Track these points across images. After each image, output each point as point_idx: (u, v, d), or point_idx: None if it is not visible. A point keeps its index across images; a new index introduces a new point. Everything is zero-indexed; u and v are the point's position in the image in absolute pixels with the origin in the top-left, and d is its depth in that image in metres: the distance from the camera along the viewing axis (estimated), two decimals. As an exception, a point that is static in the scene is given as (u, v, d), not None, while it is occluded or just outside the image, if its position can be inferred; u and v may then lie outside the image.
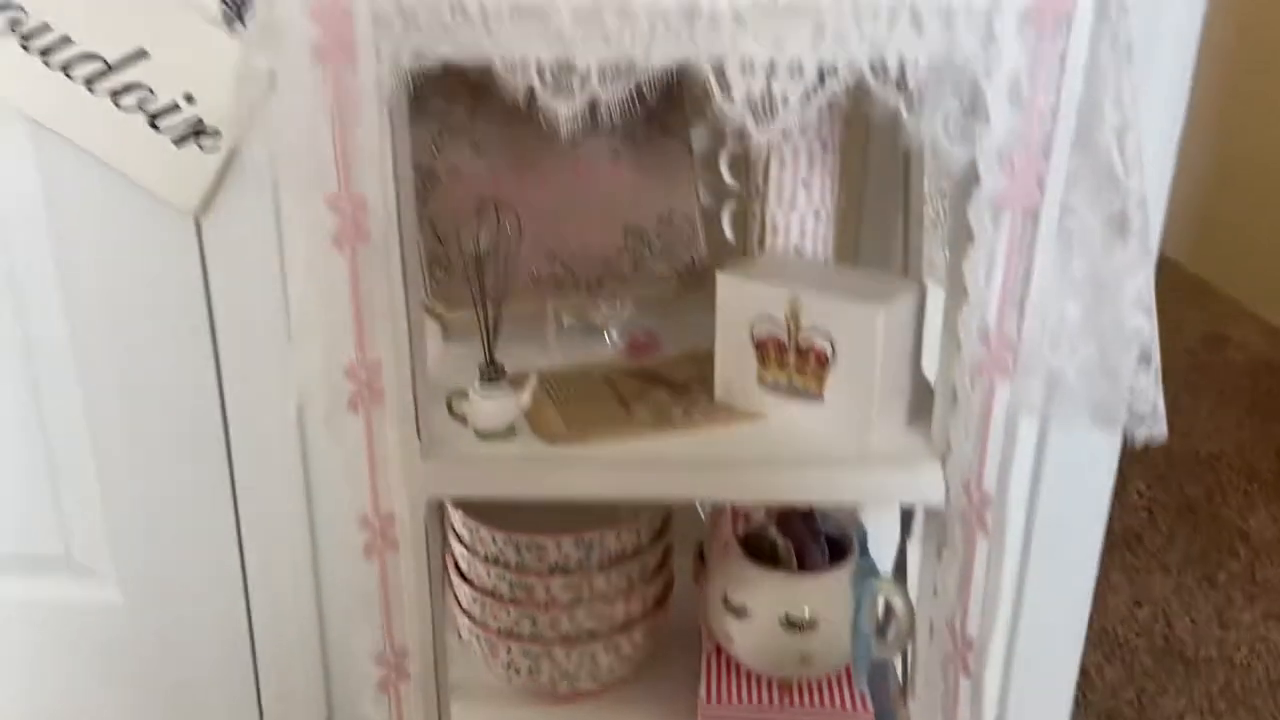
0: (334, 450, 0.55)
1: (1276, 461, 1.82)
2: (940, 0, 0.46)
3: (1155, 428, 0.49)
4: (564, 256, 0.69)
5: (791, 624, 0.65)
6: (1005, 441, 0.53)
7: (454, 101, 0.68)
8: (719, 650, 0.71)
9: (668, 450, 0.58)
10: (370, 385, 0.53)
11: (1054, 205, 0.49)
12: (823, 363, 0.58)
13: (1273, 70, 2.24)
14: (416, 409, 0.55)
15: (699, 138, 0.72)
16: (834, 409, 0.59)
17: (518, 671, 0.69)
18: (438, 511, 0.61)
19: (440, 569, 0.63)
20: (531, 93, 0.48)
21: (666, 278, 0.72)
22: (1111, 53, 0.46)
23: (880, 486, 0.59)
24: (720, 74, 0.48)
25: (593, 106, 0.48)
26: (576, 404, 0.62)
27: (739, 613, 0.66)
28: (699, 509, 0.77)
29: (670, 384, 0.66)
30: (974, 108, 0.48)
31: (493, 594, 0.68)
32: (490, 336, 0.60)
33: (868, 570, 0.66)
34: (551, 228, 0.69)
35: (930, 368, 0.61)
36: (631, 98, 0.48)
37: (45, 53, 0.78)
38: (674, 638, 0.74)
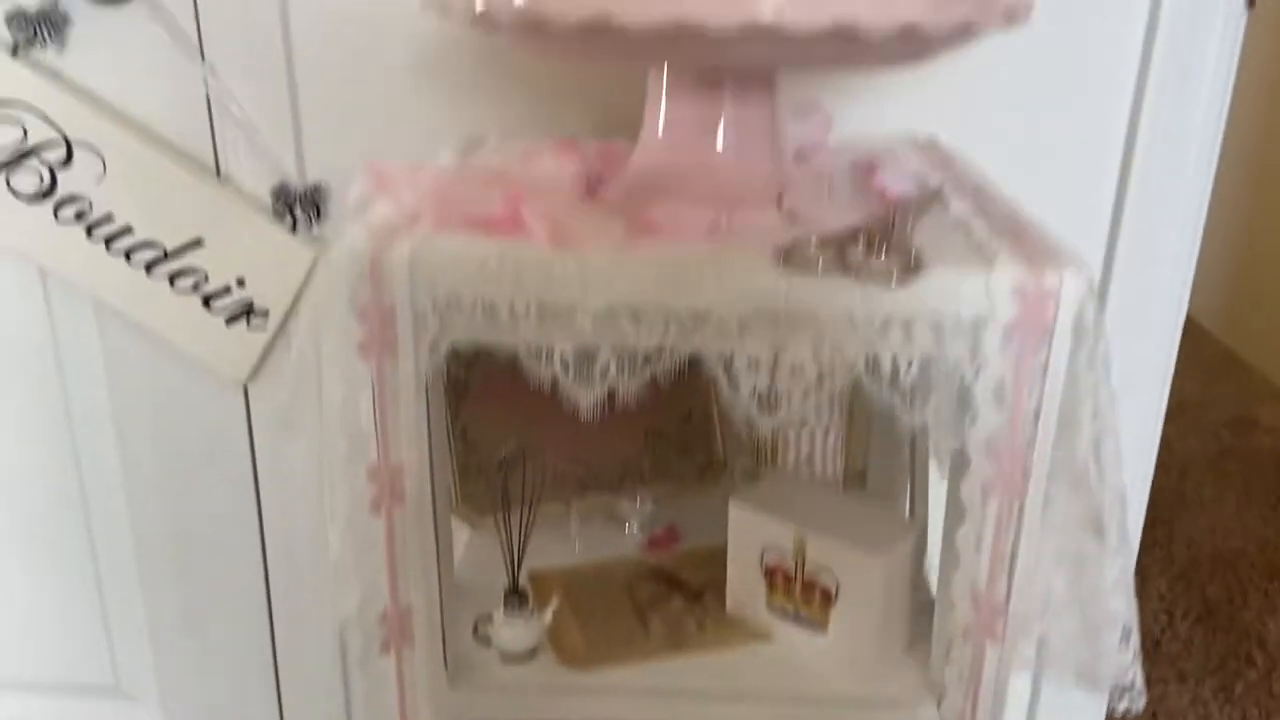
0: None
1: (1299, 561, 1.82)
2: (931, 313, 0.50)
3: (1135, 702, 0.52)
4: (586, 458, 0.74)
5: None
6: (995, 697, 0.56)
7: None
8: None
9: (680, 676, 0.62)
10: (402, 629, 0.57)
11: (1038, 494, 0.52)
12: (827, 597, 0.62)
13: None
14: (444, 644, 0.59)
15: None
16: (836, 641, 0.62)
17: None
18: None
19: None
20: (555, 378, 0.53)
21: (686, 474, 0.76)
22: (1089, 370, 0.49)
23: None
24: (728, 369, 0.52)
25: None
26: (596, 620, 0.67)
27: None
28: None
29: (686, 589, 0.70)
30: (963, 403, 0.52)
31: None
32: (516, 565, 0.64)
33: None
34: (575, 432, 0.73)
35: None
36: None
37: (109, 240, 0.84)
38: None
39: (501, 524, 0.67)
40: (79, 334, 0.89)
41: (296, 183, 0.83)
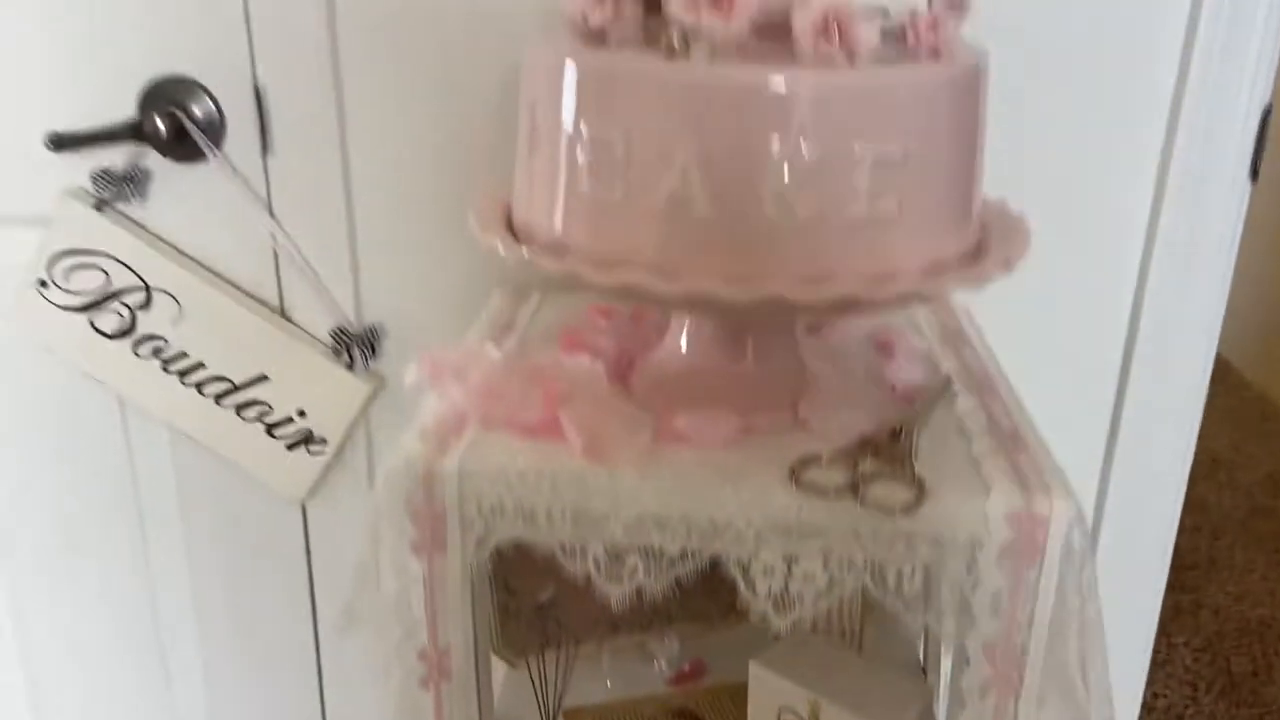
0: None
1: (1329, 635, 1.82)
2: (932, 533, 0.55)
3: None
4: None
5: None
6: None
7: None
8: None
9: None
10: (448, 783, 0.63)
11: (1032, 695, 0.57)
12: (837, 759, 0.67)
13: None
14: (486, 798, 0.65)
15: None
16: (846, 798, 0.67)
17: None
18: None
19: None
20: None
21: (712, 614, 0.81)
22: (1076, 594, 0.54)
23: None
24: (745, 573, 0.57)
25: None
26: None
27: None
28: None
29: (707, 730, 0.75)
30: (963, 609, 0.56)
31: None
32: (555, 706, 0.70)
33: None
34: (608, 577, 0.79)
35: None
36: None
37: (182, 374, 0.91)
38: None
39: (539, 664, 0.73)
40: (153, 453, 0.96)
41: (353, 324, 0.90)
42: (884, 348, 0.71)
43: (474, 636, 0.61)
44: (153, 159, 0.85)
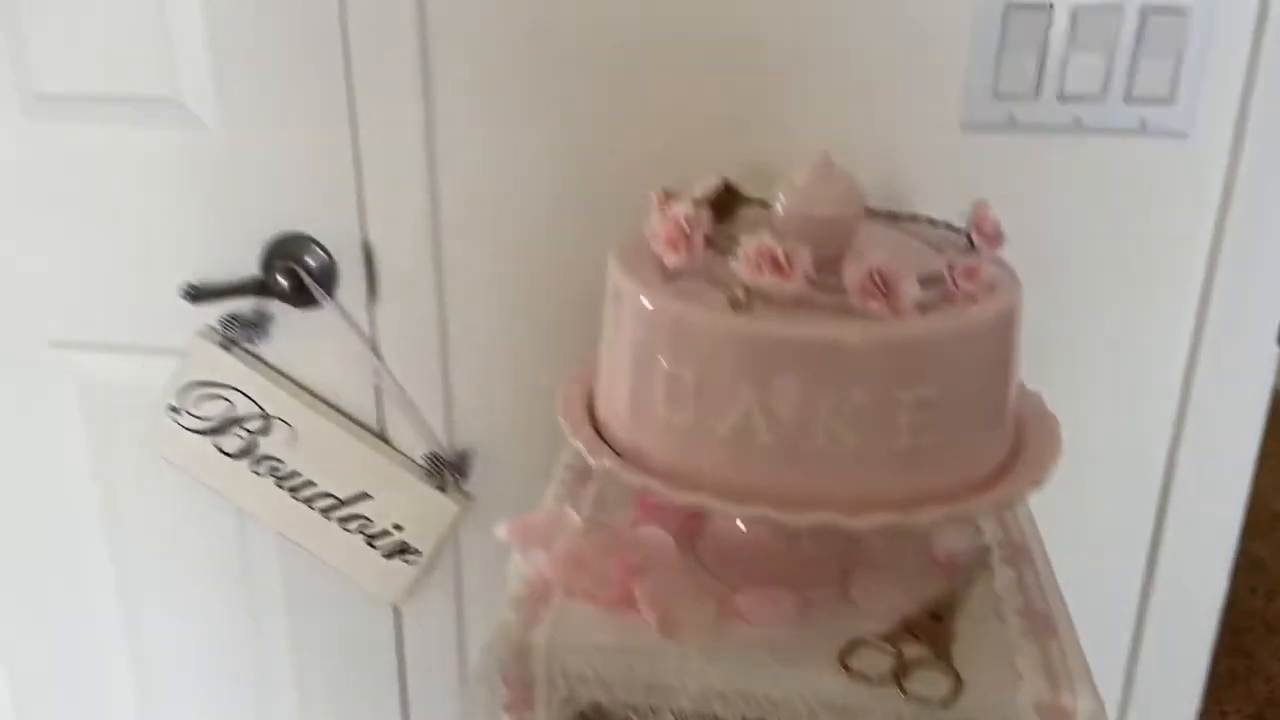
0: None
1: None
2: (966, 718, 0.61)
3: None
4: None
5: None
6: None
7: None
8: None
9: None
10: None
11: None
12: None
13: None
14: None
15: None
16: None
17: None
18: None
19: None
20: (658, 732, 0.66)
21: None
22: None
23: None
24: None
25: None
26: None
27: None
28: None
29: None
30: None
31: None
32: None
33: None
34: None
35: None
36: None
37: (294, 490, 1.01)
38: None
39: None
40: (265, 556, 1.06)
41: (446, 450, 0.99)
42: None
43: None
44: (274, 305, 0.96)
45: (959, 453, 0.60)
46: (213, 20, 0.87)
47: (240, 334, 0.97)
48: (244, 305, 0.96)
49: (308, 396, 0.99)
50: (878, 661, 0.63)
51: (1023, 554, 0.73)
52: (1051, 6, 0.76)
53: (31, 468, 1.08)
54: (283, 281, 0.93)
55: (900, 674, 0.62)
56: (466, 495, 1.01)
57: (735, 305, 0.58)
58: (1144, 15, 0.75)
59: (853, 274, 0.57)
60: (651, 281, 0.62)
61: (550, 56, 0.85)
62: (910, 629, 0.65)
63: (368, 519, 1.01)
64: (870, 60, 0.81)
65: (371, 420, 1.00)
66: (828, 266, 0.59)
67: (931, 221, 0.71)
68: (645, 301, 0.61)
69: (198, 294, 0.94)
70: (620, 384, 0.65)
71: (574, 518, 0.75)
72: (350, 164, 0.91)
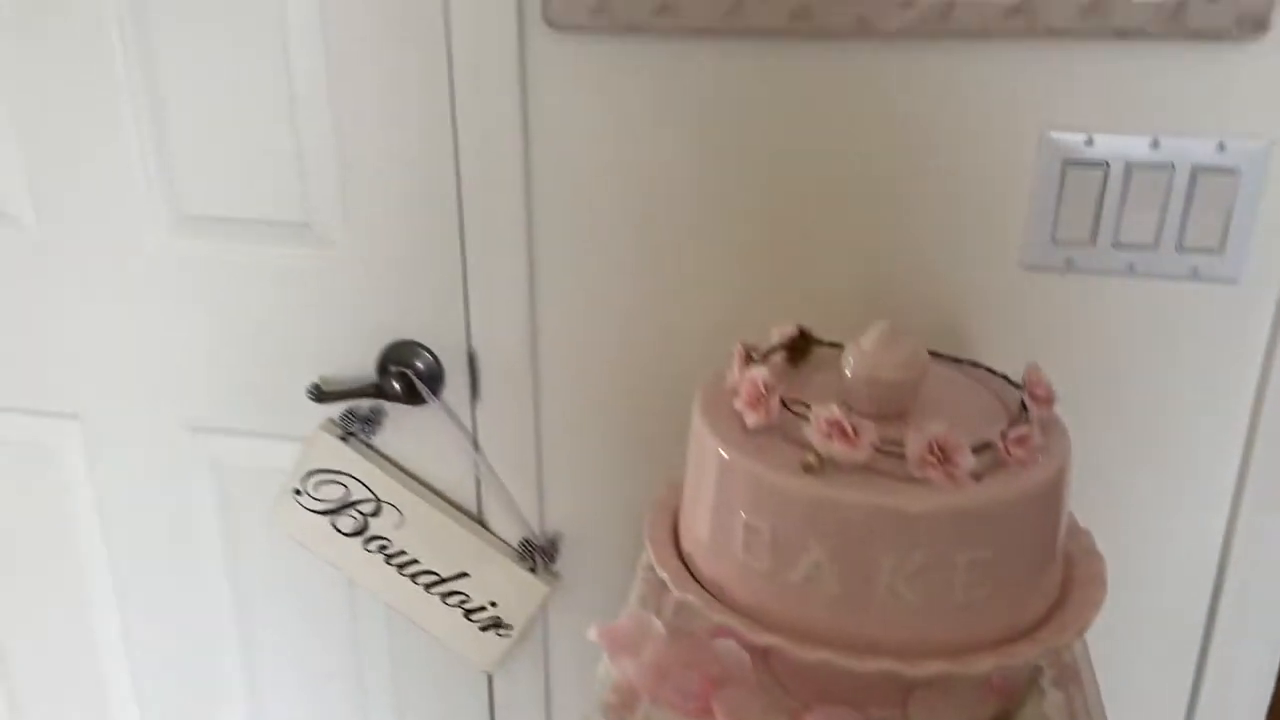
0: None
1: None
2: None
3: None
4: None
5: None
6: None
7: None
8: None
9: None
10: None
11: None
12: None
13: None
14: None
15: None
16: None
17: None
18: None
19: None
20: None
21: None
22: None
23: None
24: None
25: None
26: None
27: None
28: None
29: None
30: None
31: None
32: None
33: None
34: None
35: None
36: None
37: (400, 567, 1.12)
38: None
39: None
40: (373, 625, 1.17)
41: (537, 535, 1.08)
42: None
43: None
44: (387, 403, 1.06)
45: (1010, 602, 0.66)
46: (343, 155, 0.98)
47: (357, 427, 1.08)
48: (361, 402, 1.07)
49: (415, 484, 1.09)
50: (932, 787, 0.70)
51: (1072, 677, 0.79)
52: (1107, 165, 0.82)
53: (168, 539, 1.20)
54: (396, 386, 1.03)
55: (952, 800, 0.69)
56: (555, 576, 1.10)
57: (808, 469, 0.65)
58: (1194, 175, 0.80)
59: (914, 446, 0.64)
60: (732, 437, 0.70)
61: (642, 208, 0.94)
62: (965, 754, 0.71)
63: (466, 595, 1.11)
64: (937, 207, 0.88)
65: (471, 506, 1.09)
66: (892, 422, 0.67)
67: (990, 370, 0.77)
68: (726, 456, 0.69)
69: (321, 395, 1.04)
70: (702, 521, 0.73)
71: (658, 627, 0.83)
72: (459, 281, 1.01)
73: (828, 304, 0.90)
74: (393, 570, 1.12)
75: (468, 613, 1.12)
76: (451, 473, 1.09)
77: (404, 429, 1.08)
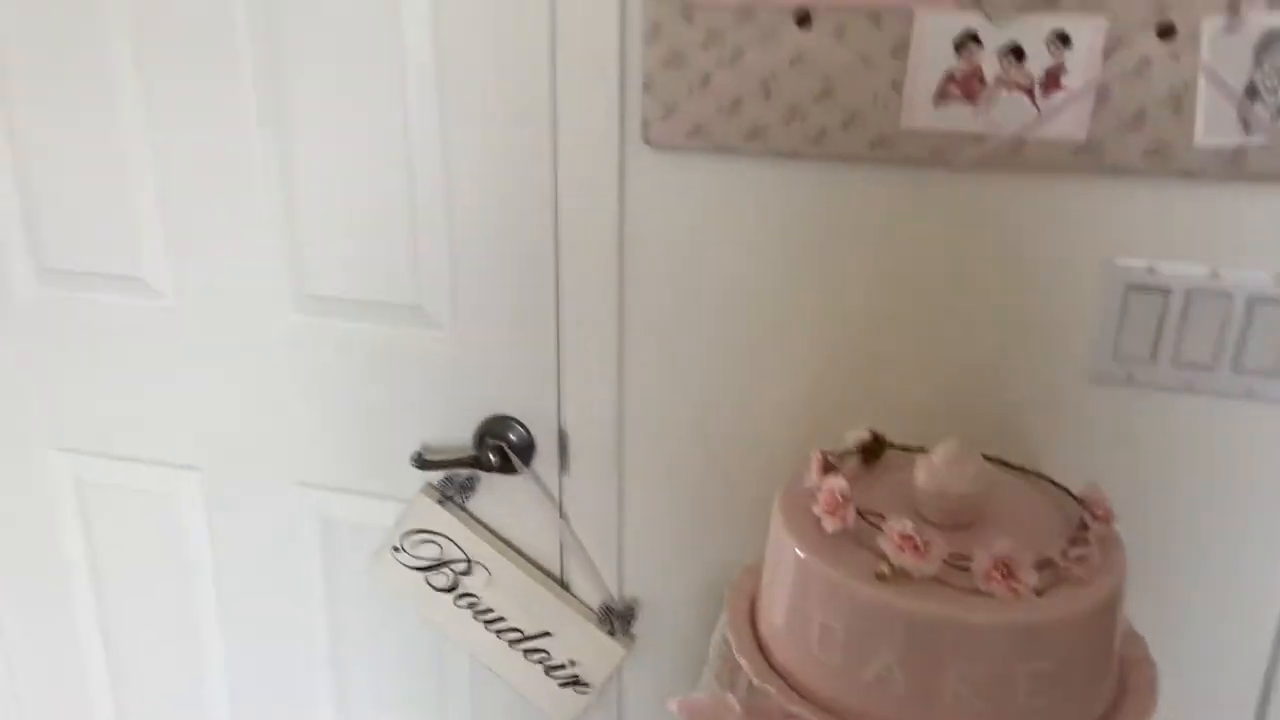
0: None
1: None
2: None
3: None
4: None
5: None
6: None
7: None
8: None
9: None
10: None
11: None
12: None
13: None
14: None
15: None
16: None
17: None
18: None
19: None
20: None
21: None
22: None
23: None
24: None
25: None
26: None
27: None
28: None
29: None
30: None
31: None
32: None
33: None
34: None
35: None
36: None
37: (488, 623, 1.20)
38: None
39: None
40: (458, 677, 1.26)
41: (616, 601, 1.16)
42: None
43: None
44: (482, 472, 1.15)
45: (1068, 708, 0.72)
46: (454, 250, 1.08)
47: (454, 492, 1.17)
48: (459, 469, 1.16)
49: (504, 546, 1.18)
50: None
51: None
52: (1169, 291, 0.87)
53: (274, 586, 1.30)
54: (492, 457, 1.12)
55: None
56: (632, 639, 1.17)
57: (881, 578, 0.72)
58: (1251, 303, 0.86)
59: (980, 562, 0.71)
60: (810, 540, 0.77)
61: (726, 310, 1.02)
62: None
63: (547, 653, 1.19)
64: (1005, 322, 0.94)
65: (556, 570, 1.18)
66: (959, 531, 0.73)
67: (1052, 482, 0.83)
68: (804, 557, 0.76)
69: (424, 463, 1.14)
70: (779, 612, 0.80)
71: (734, 705, 0.90)
72: (553, 365, 1.09)
73: (900, 409, 0.97)
74: (480, 625, 1.20)
75: (548, 669, 1.19)
76: (538, 538, 1.17)
77: (497, 495, 1.16)
